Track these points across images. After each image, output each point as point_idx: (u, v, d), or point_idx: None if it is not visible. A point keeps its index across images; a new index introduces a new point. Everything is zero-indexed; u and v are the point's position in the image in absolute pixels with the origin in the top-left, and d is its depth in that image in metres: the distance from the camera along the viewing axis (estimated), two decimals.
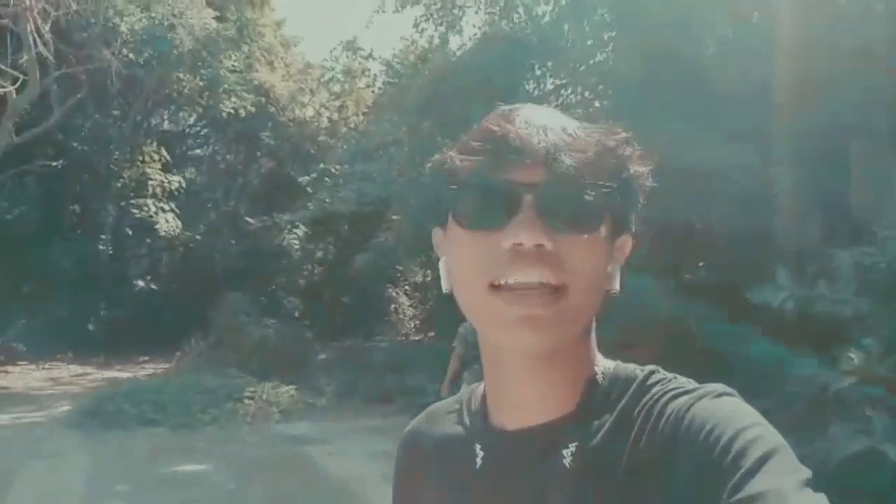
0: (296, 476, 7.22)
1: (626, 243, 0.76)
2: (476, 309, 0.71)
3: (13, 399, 11.02)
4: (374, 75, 15.89)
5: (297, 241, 15.76)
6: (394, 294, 15.50)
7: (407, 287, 15.44)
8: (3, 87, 12.05)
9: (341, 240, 14.04)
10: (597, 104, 13.11)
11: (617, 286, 0.75)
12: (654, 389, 0.73)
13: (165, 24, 15.70)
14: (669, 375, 0.75)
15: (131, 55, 15.57)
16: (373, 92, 16.06)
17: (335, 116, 17.75)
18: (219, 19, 16.99)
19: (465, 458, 0.79)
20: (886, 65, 5.80)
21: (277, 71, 18.67)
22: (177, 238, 16.55)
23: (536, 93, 13.82)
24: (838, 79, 6.13)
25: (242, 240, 16.26)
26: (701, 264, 10.01)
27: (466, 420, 0.83)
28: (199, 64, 16.61)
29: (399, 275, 14.52)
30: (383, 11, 14.47)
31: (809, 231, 5.94)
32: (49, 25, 12.46)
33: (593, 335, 0.77)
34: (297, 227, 15.12)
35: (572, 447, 0.72)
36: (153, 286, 16.68)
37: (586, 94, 13.48)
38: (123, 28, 14.89)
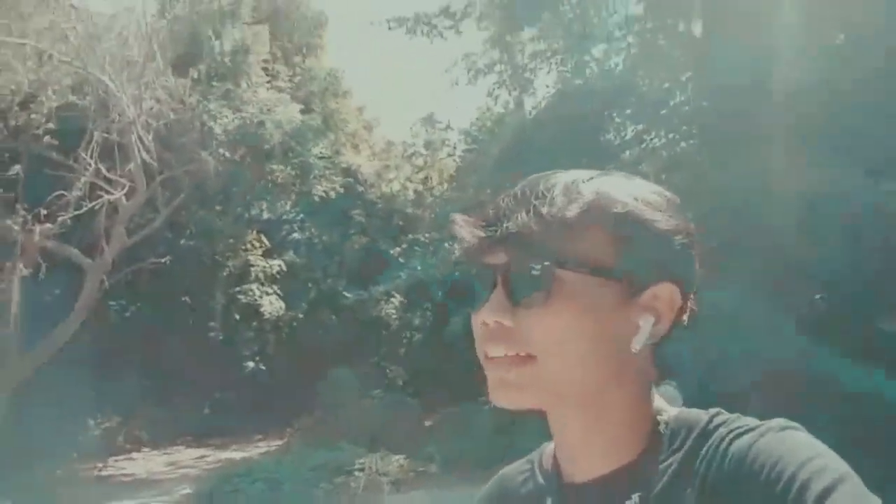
0: None
1: (663, 292, 0.76)
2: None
3: (138, 485, 11.50)
4: (454, 145, 16.31)
5: (394, 311, 16.02)
6: None
7: None
8: (114, 194, 13.03)
9: (437, 305, 14.16)
10: (683, 144, 12.90)
11: (638, 344, 0.75)
12: (719, 431, 0.74)
13: (255, 121, 16.69)
14: (733, 416, 0.76)
15: (226, 153, 16.58)
16: (454, 161, 16.43)
17: (420, 188, 18.25)
18: (304, 111, 17.97)
19: None
20: None
21: (362, 152, 19.47)
22: (281, 319, 17.14)
23: (617, 141, 13.74)
24: None
25: (342, 314, 16.67)
26: (818, 296, 9.37)
27: (539, 478, 0.87)
28: (290, 154, 17.51)
29: None
30: (456, 85, 14.97)
31: None
32: (151, 135, 13.45)
33: (650, 388, 0.79)
34: (392, 296, 15.38)
35: (636, 497, 0.73)
36: (262, 366, 17.22)
37: (670, 136, 13.29)
38: (217, 129, 15.90)
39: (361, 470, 9.78)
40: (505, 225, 0.73)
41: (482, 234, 0.74)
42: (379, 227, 17.64)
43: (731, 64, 8.87)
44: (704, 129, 10.90)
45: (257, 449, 14.09)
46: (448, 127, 16.37)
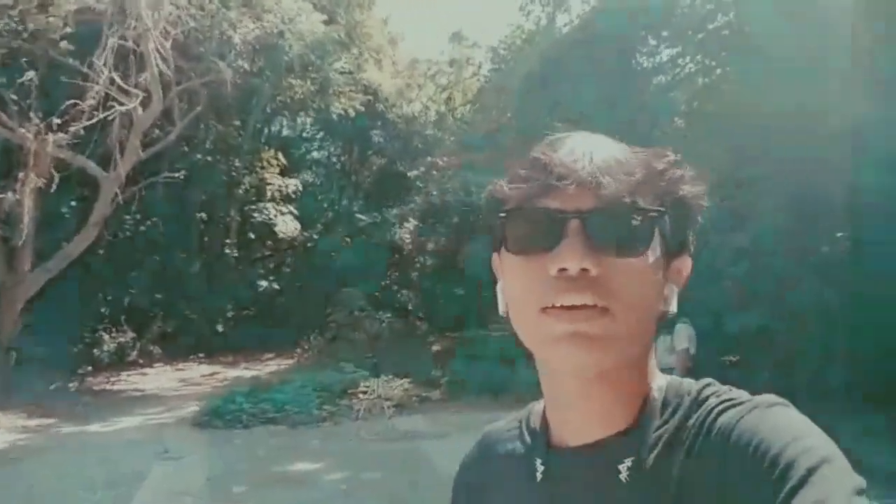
0: (409, 472, 7.05)
1: (684, 264, 0.78)
2: (528, 330, 0.73)
3: (145, 401, 11.58)
4: (480, 63, 15.61)
5: (408, 235, 15.77)
6: None
7: None
8: (129, 105, 12.70)
9: (452, 231, 13.86)
10: (719, 71, 12.19)
11: (674, 308, 0.76)
12: (707, 403, 0.73)
13: (275, 31, 16.13)
14: (724, 388, 0.76)
15: (245, 65, 16.14)
16: (478, 81, 15.76)
17: (442, 109, 17.63)
18: (327, 23, 17.29)
19: (525, 473, 0.81)
20: None
21: (385, 69, 18.78)
22: (296, 239, 17.04)
23: (649, 64, 13.05)
24: None
25: (356, 236, 16.48)
26: (840, 234, 8.91)
27: (527, 438, 0.85)
28: (310, 68, 16.99)
29: None
30: None
31: None
32: (169, 43, 13.01)
33: (652, 353, 0.78)
34: (407, 220, 15.10)
35: (628, 462, 0.73)
36: (275, 286, 17.28)
37: (706, 61, 12.56)
38: (237, 39, 15.42)
39: (365, 393, 9.78)
40: (593, 168, 0.70)
41: (566, 174, 0.70)
42: (398, 149, 17.20)
43: None
44: (745, 56, 10.17)
45: (266, 367, 14.21)
46: (475, 45, 15.63)
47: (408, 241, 15.97)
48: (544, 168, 0.71)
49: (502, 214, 0.73)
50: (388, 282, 16.49)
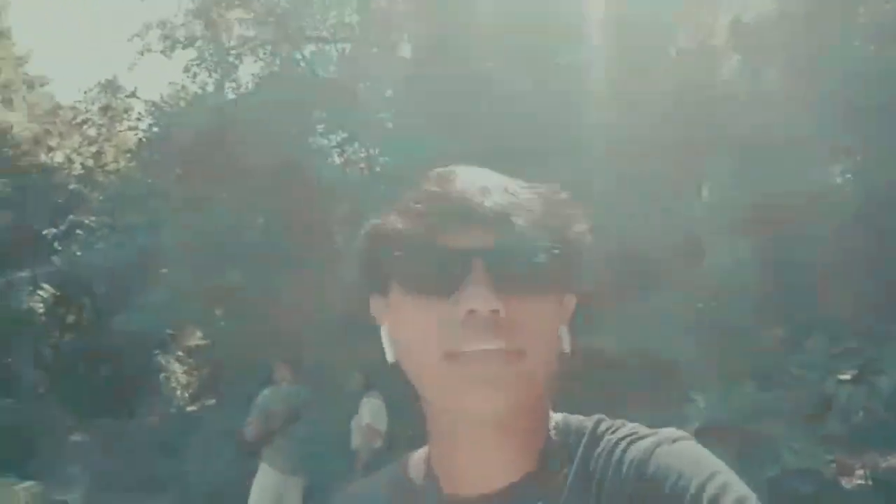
0: None
1: (571, 303, 0.77)
2: (431, 377, 0.69)
3: None
4: (139, 115, 14.40)
5: (41, 305, 13.49)
6: (163, 361, 13.78)
7: (179, 352, 13.85)
8: None
9: (97, 301, 12.23)
10: (381, 160, 13.01)
11: (568, 347, 0.74)
12: (606, 438, 0.72)
13: None
14: (618, 422, 0.75)
15: None
16: (136, 135, 14.51)
17: (90, 163, 15.80)
18: None
19: None
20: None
21: (18, 110, 16.29)
22: None
23: (322, 143, 13.44)
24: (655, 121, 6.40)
25: None
26: None
27: (410, 490, 0.78)
28: None
29: (170, 338, 12.97)
30: (149, 51, 13.38)
31: (633, 275, 6.04)
32: None
33: (547, 395, 0.76)
34: (41, 287, 12.94)
35: None
36: None
37: (371, 150, 13.37)
38: None
39: None
40: (493, 203, 0.67)
41: (467, 210, 0.66)
42: (32, 203, 14.83)
43: (435, 90, 9.09)
44: (400, 150, 11.00)
45: None
46: (134, 95, 14.42)
47: (40, 311, 13.59)
48: (442, 202, 0.67)
49: (398, 253, 0.68)
50: (10, 360, 13.73)
